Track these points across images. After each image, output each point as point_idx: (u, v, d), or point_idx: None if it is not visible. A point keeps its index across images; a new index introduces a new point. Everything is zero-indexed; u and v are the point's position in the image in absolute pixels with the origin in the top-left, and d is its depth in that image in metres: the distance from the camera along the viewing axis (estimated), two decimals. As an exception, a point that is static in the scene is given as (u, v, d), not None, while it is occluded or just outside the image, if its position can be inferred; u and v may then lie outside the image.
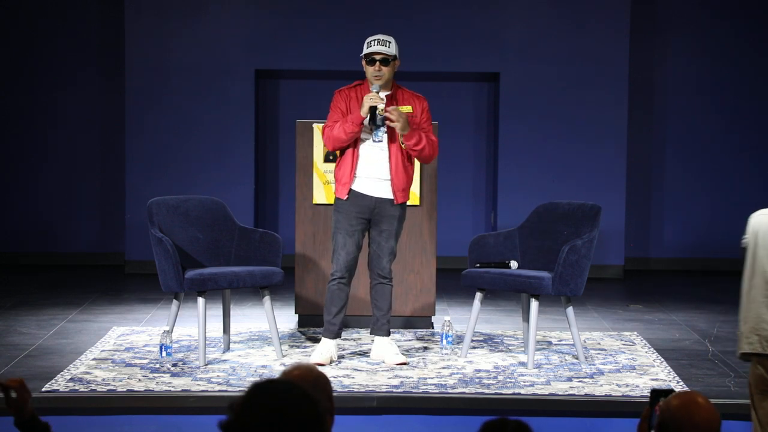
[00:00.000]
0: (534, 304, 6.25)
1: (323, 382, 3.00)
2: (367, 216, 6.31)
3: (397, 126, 6.14)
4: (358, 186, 6.29)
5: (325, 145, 6.39)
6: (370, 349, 6.49)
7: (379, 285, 6.38)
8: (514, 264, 6.64)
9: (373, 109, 6.18)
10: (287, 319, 7.49)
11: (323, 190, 7.26)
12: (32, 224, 10.28)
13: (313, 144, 7.25)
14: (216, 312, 6.94)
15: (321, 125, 6.88)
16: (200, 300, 6.26)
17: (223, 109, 9.90)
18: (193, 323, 7.05)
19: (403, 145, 6.23)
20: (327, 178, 7.23)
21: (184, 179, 9.77)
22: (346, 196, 6.28)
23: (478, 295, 6.47)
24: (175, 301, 6.41)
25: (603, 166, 9.90)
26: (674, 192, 10.35)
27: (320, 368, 3.12)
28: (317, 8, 9.90)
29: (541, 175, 9.89)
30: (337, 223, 6.32)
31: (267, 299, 6.40)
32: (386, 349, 6.34)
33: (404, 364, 6.27)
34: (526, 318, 6.51)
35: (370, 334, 6.48)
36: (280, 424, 2.48)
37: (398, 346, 6.51)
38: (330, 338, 6.35)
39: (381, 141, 6.27)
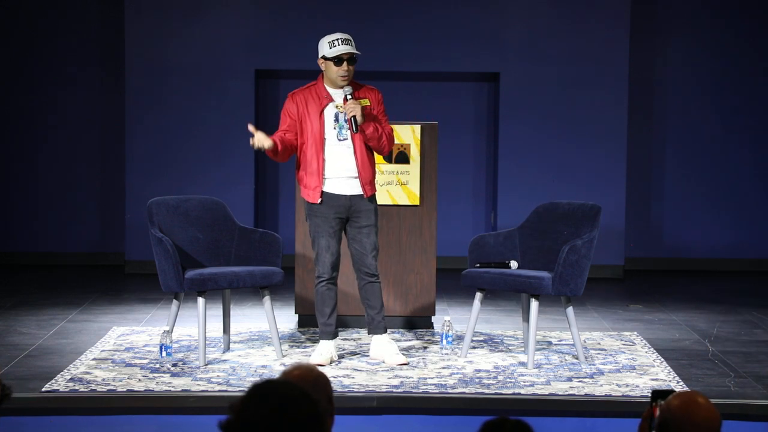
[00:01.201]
0: (534, 304, 6.24)
1: (323, 382, 3.00)
2: (344, 215, 6.32)
3: (356, 113, 6.17)
4: (330, 187, 6.30)
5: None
6: (369, 349, 6.49)
7: (368, 285, 6.37)
8: (514, 264, 6.63)
9: (338, 115, 6.26)
10: (287, 319, 7.48)
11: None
12: (33, 224, 10.28)
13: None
14: (216, 312, 6.94)
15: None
16: (200, 300, 6.26)
17: (223, 109, 9.89)
18: (193, 323, 7.05)
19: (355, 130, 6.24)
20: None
21: (184, 179, 9.76)
22: (320, 199, 6.29)
23: (478, 295, 6.47)
24: (175, 301, 6.41)
25: (603, 166, 9.89)
26: (674, 192, 10.34)
27: (320, 368, 3.12)
28: (317, 8, 9.89)
29: (541, 175, 9.89)
30: (317, 228, 6.31)
31: (267, 299, 6.40)
32: (386, 348, 6.34)
33: (404, 364, 6.26)
34: (526, 318, 6.51)
35: (368, 334, 6.47)
36: (280, 424, 2.48)
37: (398, 346, 6.50)
38: (328, 339, 6.35)
39: (346, 138, 6.28)
